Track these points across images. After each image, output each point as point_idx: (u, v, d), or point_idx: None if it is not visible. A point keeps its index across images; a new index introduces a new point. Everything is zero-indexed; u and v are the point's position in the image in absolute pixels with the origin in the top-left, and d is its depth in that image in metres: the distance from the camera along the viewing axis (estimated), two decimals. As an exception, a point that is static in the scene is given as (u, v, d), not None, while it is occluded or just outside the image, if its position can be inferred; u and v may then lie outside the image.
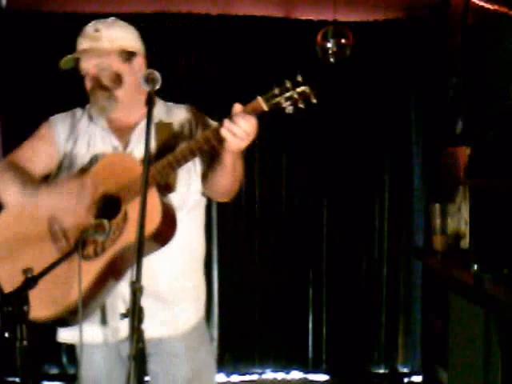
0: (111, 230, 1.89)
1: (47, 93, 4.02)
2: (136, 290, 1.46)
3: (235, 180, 2.01)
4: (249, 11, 4.23)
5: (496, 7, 3.42)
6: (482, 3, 3.56)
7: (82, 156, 2.06)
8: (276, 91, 1.86)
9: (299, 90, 1.86)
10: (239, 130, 1.82)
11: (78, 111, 2.17)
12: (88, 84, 2.06)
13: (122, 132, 2.06)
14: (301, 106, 1.86)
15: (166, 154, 1.95)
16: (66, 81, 3.99)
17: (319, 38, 3.82)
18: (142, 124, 2.04)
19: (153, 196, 1.87)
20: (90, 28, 2.13)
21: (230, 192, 2.07)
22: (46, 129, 2.13)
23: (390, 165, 4.39)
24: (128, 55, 2.07)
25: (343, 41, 3.80)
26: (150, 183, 1.84)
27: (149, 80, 1.87)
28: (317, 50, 3.85)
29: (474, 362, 3.11)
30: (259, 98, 1.86)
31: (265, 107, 1.85)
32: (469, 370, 3.21)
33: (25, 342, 1.54)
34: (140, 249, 1.53)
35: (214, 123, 2.10)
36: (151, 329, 1.90)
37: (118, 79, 2.04)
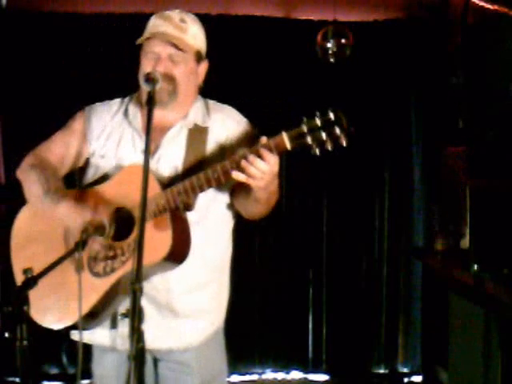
0: (121, 250, 1.86)
1: (47, 93, 4.03)
2: (136, 290, 1.46)
3: (267, 207, 1.92)
4: (249, 11, 4.23)
5: (496, 7, 3.43)
6: (482, 3, 3.56)
7: (110, 157, 1.99)
8: (303, 129, 1.69)
9: (329, 130, 1.68)
10: (257, 172, 1.71)
11: (115, 104, 2.08)
12: (148, 68, 1.91)
13: (155, 133, 1.91)
14: (328, 147, 1.70)
15: (195, 164, 1.89)
16: (66, 81, 4.04)
17: (319, 38, 3.82)
18: (176, 128, 1.98)
19: (165, 220, 1.81)
20: (174, 14, 1.99)
21: (260, 216, 1.99)
22: (80, 123, 2.05)
23: (390, 165, 4.39)
24: (200, 57, 2.01)
25: (343, 41, 3.80)
26: (164, 208, 1.81)
27: (149, 80, 1.85)
28: (317, 50, 3.85)
29: (474, 362, 3.11)
30: (284, 135, 1.71)
31: (288, 146, 1.71)
32: (469, 370, 3.21)
33: (25, 342, 1.54)
34: (140, 247, 1.53)
35: (253, 131, 2.01)
36: (161, 340, 1.91)
37: (186, 77, 1.96)
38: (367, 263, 4.40)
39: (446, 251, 3.70)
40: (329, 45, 3.80)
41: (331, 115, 1.69)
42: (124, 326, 1.93)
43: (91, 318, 1.90)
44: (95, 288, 1.86)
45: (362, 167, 4.36)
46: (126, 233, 1.86)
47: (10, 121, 4.07)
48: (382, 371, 4.45)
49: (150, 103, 1.80)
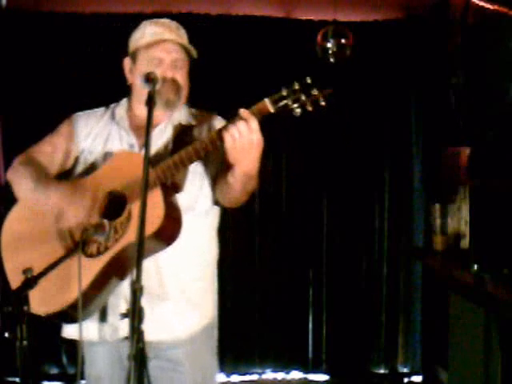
0: (113, 229, 1.88)
1: (47, 93, 4.03)
2: (136, 290, 1.46)
3: (243, 194, 1.98)
4: (249, 11, 4.23)
5: (496, 7, 3.42)
6: (482, 3, 3.56)
7: (98, 153, 2.07)
8: (284, 93, 1.82)
9: (308, 92, 1.81)
10: (237, 132, 1.80)
11: (100, 110, 2.17)
12: (157, 72, 1.98)
13: (142, 131, 1.98)
14: (309, 108, 1.82)
15: None
16: (65, 81, 4.04)
17: (319, 38, 3.82)
18: (163, 125, 2.07)
19: (156, 195, 1.86)
20: (169, 22, 2.10)
21: (237, 202, 2.03)
22: (67, 126, 2.14)
23: (390, 165, 4.39)
24: (189, 61, 2.11)
25: (343, 41, 3.80)
26: (154, 183, 1.86)
27: (149, 80, 1.88)
28: (317, 50, 3.85)
29: (474, 362, 3.11)
30: (266, 100, 1.83)
31: (271, 109, 1.82)
32: (469, 370, 3.21)
33: (25, 342, 1.55)
34: (140, 248, 1.53)
35: None
36: (151, 333, 1.92)
37: (186, 82, 2.08)
38: (367, 263, 4.40)
39: (445, 251, 3.70)
40: (329, 45, 3.80)
41: (308, 79, 1.84)
42: (113, 317, 1.97)
43: (83, 303, 1.87)
44: (89, 268, 1.86)
45: (362, 167, 4.36)
46: (119, 212, 1.90)
47: (10, 121, 4.07)
48: (382, 371, 4.45)
49: (150, 103, 1.82)
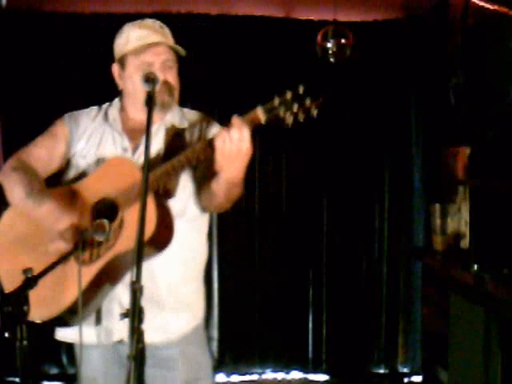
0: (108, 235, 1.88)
1: (47, 93, 4.03)
2: (136, 290, 1.46)
3: (227, 201, 1.98)
4: (249, 11, 4.23)
5: (496, 7, 3.42)
6: (482, 3, 3.56)
7: (91, 156, 2.07)
8: (276, 103, 1.82)
9: (300, 101, 1.81)
10: (228, 139, 1.80)
11: (93, 110, 2.16)
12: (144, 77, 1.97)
13: (135, 133, 2.04)
14: (301, 118, 1.82)
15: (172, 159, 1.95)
16: (65, 81, 4.03)
17: (319, 38, 3.82)
18: (155, 127, 2.05)
19: (148, 203, 1.83)
20: (152, 23, 2.07)
21: (220, 208, 2.04)
22: (60, 127, 2.12)
23: (390, 165, 4.39)
24: (178, 59, 2.10)
25: (343, 41, 3.80)
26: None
27: (149, 80, 1.88)
28: (317, 50, 3.85)
29: (474, 362, 3.11)
30: (258, 109, 1.83)
31: (263, 118, 1.82)
32: (469, 370, 3.21)
33: (25, 342, 1.54)
34: (140, 249, 1.53)
35: None
36: (146, 334, 1.92)
37: (177, 81, 2.08)
38: (367, 263, 4.40)
39: (445, 251, 3.70)
40: (329, 45, 3.80)
41: (301, 89, 1.82)
42: (108, 320, 1.98)
43: (77, 310, 1.87)
44: (83, 276, 1.85)
45: (362, 167, 4.36)
46: (111, 219, 1.89)
47: (10, 121, 4.07)
48: (382, 371, 4.46)
49: (150, 103, 1.82)
